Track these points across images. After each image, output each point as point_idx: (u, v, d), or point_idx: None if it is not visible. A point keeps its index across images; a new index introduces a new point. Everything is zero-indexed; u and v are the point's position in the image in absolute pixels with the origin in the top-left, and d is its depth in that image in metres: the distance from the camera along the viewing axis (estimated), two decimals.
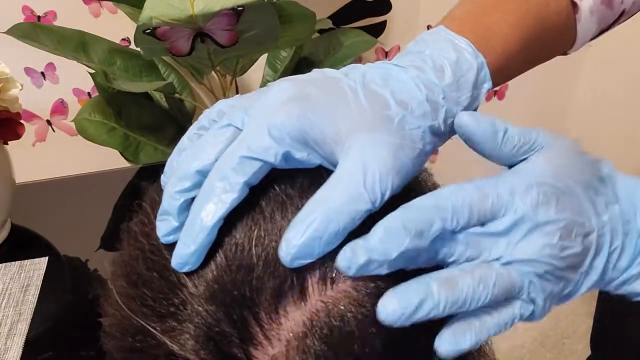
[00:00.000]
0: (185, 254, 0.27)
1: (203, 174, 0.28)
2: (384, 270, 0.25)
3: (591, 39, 0.46)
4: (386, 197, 0.27)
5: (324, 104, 0.29)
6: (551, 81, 1.62)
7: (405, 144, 0.29)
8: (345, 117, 0.29)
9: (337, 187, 0.26)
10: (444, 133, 0.32)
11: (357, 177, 0.27)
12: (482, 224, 0.27)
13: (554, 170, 0.29)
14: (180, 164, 0.30)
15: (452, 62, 0.33)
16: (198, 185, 0.28)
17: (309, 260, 0.26)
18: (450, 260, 0.27)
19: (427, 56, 0.33)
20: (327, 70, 0.32)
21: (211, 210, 0.27)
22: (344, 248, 0.25)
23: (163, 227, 0.29)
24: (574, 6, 0.42)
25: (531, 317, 0.28)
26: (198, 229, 0.27)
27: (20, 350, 0.64)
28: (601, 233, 0.29)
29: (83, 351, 0.65)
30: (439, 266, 0.27)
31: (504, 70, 0.37)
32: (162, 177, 0.32)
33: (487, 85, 0.34)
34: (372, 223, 0.26)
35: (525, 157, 0.30)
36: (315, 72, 0.32)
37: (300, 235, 0.25)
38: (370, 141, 0.28)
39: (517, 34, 0.38)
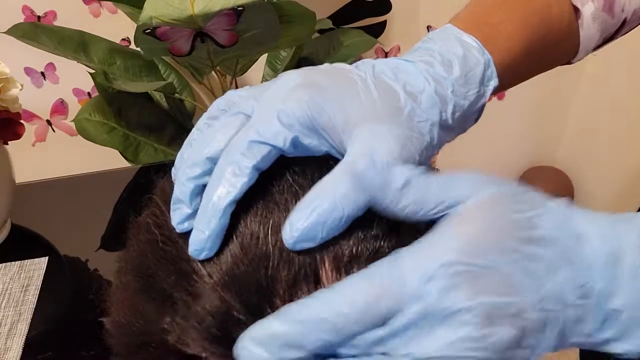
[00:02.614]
0: (200, 239, 0.27)
1: (213, 160, 0.28)
2: None
3: (594, 49, 0.46)
4: None
5: (334, 91, 0.29)
6: (551, 81, 1.62)
7: (413, 135, 0.29)
8: (355, 105, 0.29)
9: (343, 174, 0.27)
10: (452, 127, 0.32)
11: (364, 165, 0.27)
12: (383, 323, 0.23)
13: (469, 241, 0.24)
14: (191, 153, 0.30)
15: (459, 57, 0.33)
16: (209, 172, 0.28)
17: (312, 245, 0.26)
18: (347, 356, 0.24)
19: (435, 52, 0.33)
20: (336, 63, 0.32)
21: (222, 194, 0.27)
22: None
23: (176, 215, 0.29)
24: (576, 11, 0.42)
25: None
26: (210, 213, 0.27)
27: (20, 350, 0.64)
28: (542, 307, 0.24)
29: (83, 351, 0.65)
30: None
31: (510, 71, 0.37)
32: (173, 169, 0.32)
33: (494, 82, 0.34)
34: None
35: (436, 217, 0.26)
36: (325, 65, 0.32)
37: (304, 220, 0.26)
38: (379, 131, 0.28)
39: (521, 33, 0.38)
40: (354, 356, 0.24)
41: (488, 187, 0.26)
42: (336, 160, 0.29)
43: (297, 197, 0.28)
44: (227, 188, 0.27)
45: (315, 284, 0.27)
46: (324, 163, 0.29)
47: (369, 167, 0.26)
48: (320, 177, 0.29)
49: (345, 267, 0.27)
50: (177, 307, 0.28)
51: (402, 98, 0.30)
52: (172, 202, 0.29)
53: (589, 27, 0.43)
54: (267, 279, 0.27)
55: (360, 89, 0.29)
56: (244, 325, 0.26)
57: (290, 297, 0.27)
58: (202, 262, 0.28)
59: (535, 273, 0.24)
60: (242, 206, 0.28)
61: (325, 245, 0.27)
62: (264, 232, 0.28)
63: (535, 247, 0.25)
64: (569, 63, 0.46)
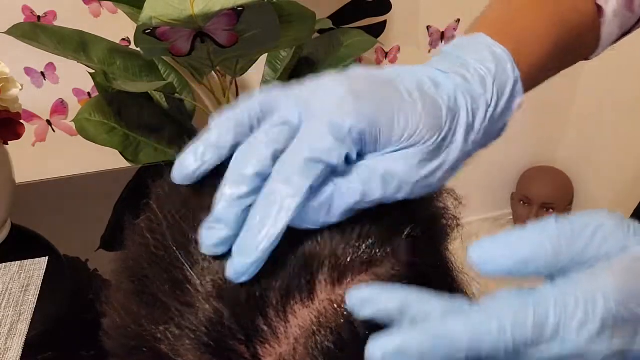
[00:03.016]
0: (246, 263, 0.25)
1: (261, 176, 0.27)
2: None
3: (612, 43, 0.46)
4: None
5: (382, 104, 0.28)
6: (552, 81, 1.62)
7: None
8: (402, 120, 0.28)
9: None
10: (479, 141, 0.32)
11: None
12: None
13: (621, 291, 0.24)
14: (234, 168, 0.27)
15: (493, 73, 0.33)
16: (256, 190, 0.27)
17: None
18: None
19: (470, 66, 0.33)
20: (379, 71, 0.31)
21: (278, 221, 0.25)
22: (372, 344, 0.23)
23: (212, 236, 0.26)
24: (599, 9, 0.42)
25: None
26: (263, 237, 0.25)
27: (20, 350, 0.64)
28: None
29: (83, 351, 0.65)
30: None
31: (532, 78, 0.37)
32: (172, 175, 0.30)
33: (519, 99, 0.34)
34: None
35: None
36: (362, 70, 0.31)
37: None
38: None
39: (549, 38, 0.37)
40: None
41: (634, 241, 0.25)
42: None
43: None
44: (282, 213, 0.25)
45: (309, 293, 0.27)
46: None
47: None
48: None
49: (340, 277, 0.27)
50: (169, 315, 0.27)
51: (444, 114, 0.30)
52: (210, 221, 0.27)
53: (609, 24, 0.43)
54: (259, 289, 0.26)
55: (408, 103, 0.29)
56: (236, 335, 0.26)
57: (284, 307, 0.26)
58: (195, 271, 0.27)
59: None
60: None
61: (320, 255, 0.27)
62: None
63: None
64: (587, 59, 0.46)
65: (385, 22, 1.47)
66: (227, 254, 0.27)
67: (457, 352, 0.23)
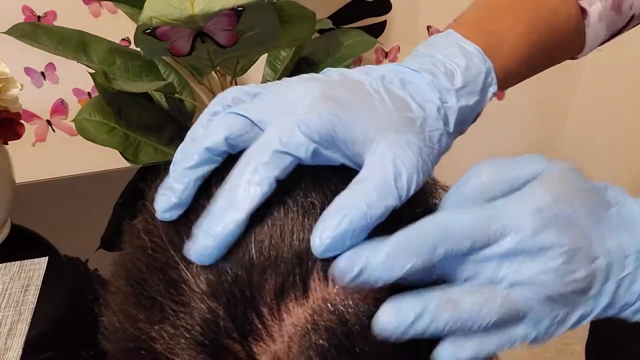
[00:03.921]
0: (209, 246, 0.27)
1: (212, 151, 0.29)
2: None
3: (601, 44, 0.46)
4: (411, 193, 0.28)
5: (353, 106, 0.29)
6: (551, 81, 1.62)
7: (427, 144, 0.31)
8: (372, 117, 0.29)
9: (369, 182, 0.27)
10: (452, 134, 0.34)
11: (389, 173, 0.27)
12: (484, 247, 0.27)
13: (553, 197, 0.28)
14: (191, 145, 0.30)
15: (462, 68, 0.34)
16: (205, 162, 0.29)
17: (338, 253, 0.26)
18: (453, 280, 0.27)
19: (439, 61, 0.34)
20: (344, 70, 0.33)
21: (241, 206, 0.27)
22: (341, 257, 0.26)
23: (163, 202, 0.29)
24: (583, 12, 0.43)
25: (534, 341, 0.28)
26: (224, 222, 0.27)
27: (20, 350, 0.64)
28: (608, 260, 0.28)
29: (83, 351, 0.65)
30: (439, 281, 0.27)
31: (511, 77, 0.38)
32: (171, 165, 0.31)
33: (493, 89, 0.35)
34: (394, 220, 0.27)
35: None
36: (334, 73, 0.32)
37: (333, 229, 0.26)
38: (398, 141, 0.29)
39: (525, 42, 0.38)
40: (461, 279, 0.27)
41: (555, 163, 0.29)
42: (350, 171, 0.29)
43: (285, 206, 0.28)
44: (246, 199, 0.27)
45: (304, 291, 0.27)
46: (319, 178, 0.29)
47: (392, 176, 0.27)
48: (312, 188, 0.29)
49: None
50: (165, 315, 0.28)
51: (414, 109, 0.31)
52: (161, 187, 0.29)
53: (595, 26, 0.43)
54: (253, 288, 0.26)
55: (376, 100, 0.30)
56: (231, 334, 0.26)
57: (278, 306, 0.26)
58: (190, 270, 0.27)
59: (604, 232, 0.28)
60: None
61: (313, 254, 0.26)
62: (249, 240, 0.27)
63: (603, 210, 0.29)
64: (573, 58, 0.47)
65: (385, 22, 1.47)
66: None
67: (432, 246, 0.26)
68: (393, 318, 0.25)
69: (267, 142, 0.28)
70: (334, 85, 0.31)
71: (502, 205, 0.27)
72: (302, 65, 1.25)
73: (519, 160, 0.29)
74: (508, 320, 0.27)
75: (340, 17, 1.42)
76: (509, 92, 1.65)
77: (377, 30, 1.47)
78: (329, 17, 1.39)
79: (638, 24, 0.48)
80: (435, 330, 0.25)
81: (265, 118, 0.29)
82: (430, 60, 0.34)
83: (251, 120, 0.29)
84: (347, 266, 0.25)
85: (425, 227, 0.26)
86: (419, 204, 0.30)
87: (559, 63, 0.45)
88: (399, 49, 1.53)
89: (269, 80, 1.36)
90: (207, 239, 0.27)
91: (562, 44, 0.42)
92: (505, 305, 0.26)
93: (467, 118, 0.35)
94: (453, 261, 0.27)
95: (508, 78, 0.37)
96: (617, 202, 0.29)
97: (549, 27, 0.40)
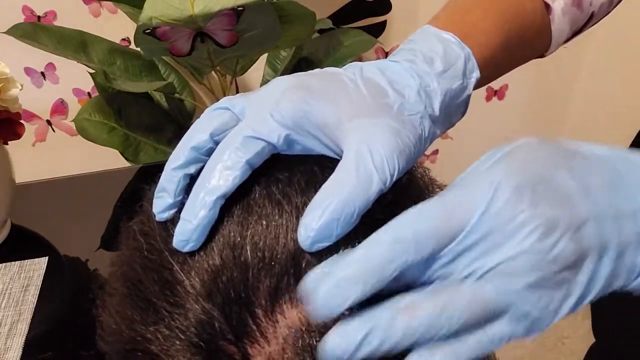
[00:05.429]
0: (186, 230, 0.27)
1: (198, 150, 0.29)
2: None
3: (565, 41, 0.48)
4: (395, 177, 0.28)
5: (324, 91, 0.30)
6: (551, 81, 1.62)
7: (406, 127, 0.30)
8: (346, 103, 0.30)
9: (348, 170, 0.27)
10: (439, 119, 0.34)
11: (366, 158, 0.27)
12: (452, 241, 0.24)
13: (520, 164, 0.25)
14: (179, 145, 0.31)
15: (440, 53, 0.34)
16: (192, 161, 0.29)
17: (328, 243, 0.26)
18: (419, 283, 0.25)
19: (417, 51, 0.35)
20: (326, 68, 0.33)
21: (213, 187, 0.27)
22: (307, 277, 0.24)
23: (159, 204, 0.29)
24: (547, 7, 0.44)
25: (527, 333, 0.24)
26: (200, 205, 0.27)
27: (20, 350, 0.64)
28: (601, 226, 0.24)
29: (83, 351, 0.65)
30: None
31: (490, 64, 0.38)
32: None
33: (476, 74, 0.36)
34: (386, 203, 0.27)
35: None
36: (316, 70, 0.33)
37: (317, 219, 0.26)
38: (372, 124, 0.29)
39: (498, 29, 0.39)
40: (429, 282, 0.24)
41: (519, 140, 0.27)
42: (331, 160, 0.29)
43: (280, 206, 0.28)
44: (218, 181, 0.27)
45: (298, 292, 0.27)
46: (310, 172, 0.29)
47: (369, 160, 0.27)
48: (306, 185, 0.29)
49: None
50: (160, 316, 0.28)
51: (390, 94, 0.31)
52: (156, 191, 0.30)
53: (559, 22, 0.45)
54: (247, 289, 0.27)
55: (350, 88, 0.31)
56: (226, 336, 0.26)
57: (272, 306, 0.26)
58: (185, 271, 0.27)
59: (590, 187, 0.25)
60: (227, 211, 0.28)
61: (307, 255, 0.27)
62: (246, 241, 0.27)
63: (586, 160, 0.25)
64: (542, 56, 0.47)
65: (385, 22, 1.47)
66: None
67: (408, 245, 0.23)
68: (339, 342, 0.23)
69: (240, 130, 0.29)
70: (310, 77, 0.31)
71: (466, 186, 0.25)
72: (302, 65, 1.25)
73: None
74: (484, 320, 0.24)
75: (340, 17, 1.42)
76: (509, 92, 1.66)
77: (377, 30, 1.47)
78: (329, 17, 1.39)
79: (596, 23, 0.49)
80: (397, 345, 0.23)
81: (244, 109, 0.30)
82: (409, 52, 0.35)
83: (233, 112, 0.30)
84: (306, 298, 0.24)
85: (378, 237, 0.24)
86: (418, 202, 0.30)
87: (531, 58, 0.46)
88: None
89: (269, 80, 1.36)
90: (185, 224, 0.27)
91: (532, 36, 0.43)
92: (473, 304, 0.23)
93: (453, 104, 0.35)
94: (417, 267, 0.24)
95: (487, 66, 0.38)
96: (607, 150, 0.26)
97: (519, 18, 0.41)
